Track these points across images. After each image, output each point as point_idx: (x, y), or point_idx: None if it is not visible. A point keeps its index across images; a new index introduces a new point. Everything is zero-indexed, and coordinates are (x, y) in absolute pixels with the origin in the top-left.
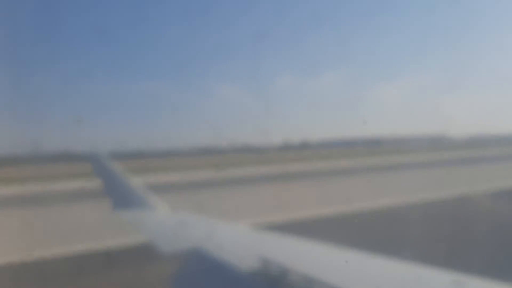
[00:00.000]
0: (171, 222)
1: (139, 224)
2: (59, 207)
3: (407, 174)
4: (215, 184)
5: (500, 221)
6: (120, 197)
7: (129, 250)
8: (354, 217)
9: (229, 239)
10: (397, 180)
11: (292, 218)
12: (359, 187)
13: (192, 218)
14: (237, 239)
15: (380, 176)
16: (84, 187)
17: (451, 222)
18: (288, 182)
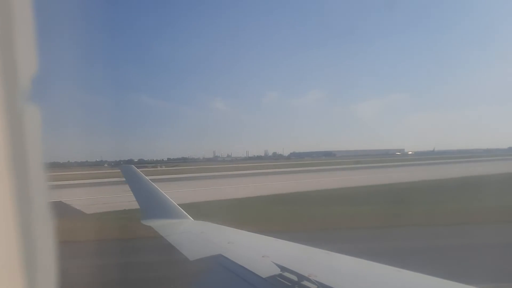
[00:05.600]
0: (195, 230)
1: (166, 232)
2: None
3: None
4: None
5: None
6: (149, 206)
7: None
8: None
9: (247, 246)
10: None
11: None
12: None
13: (214, 227)
14: (255, 246)
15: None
16: None
17: None
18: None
